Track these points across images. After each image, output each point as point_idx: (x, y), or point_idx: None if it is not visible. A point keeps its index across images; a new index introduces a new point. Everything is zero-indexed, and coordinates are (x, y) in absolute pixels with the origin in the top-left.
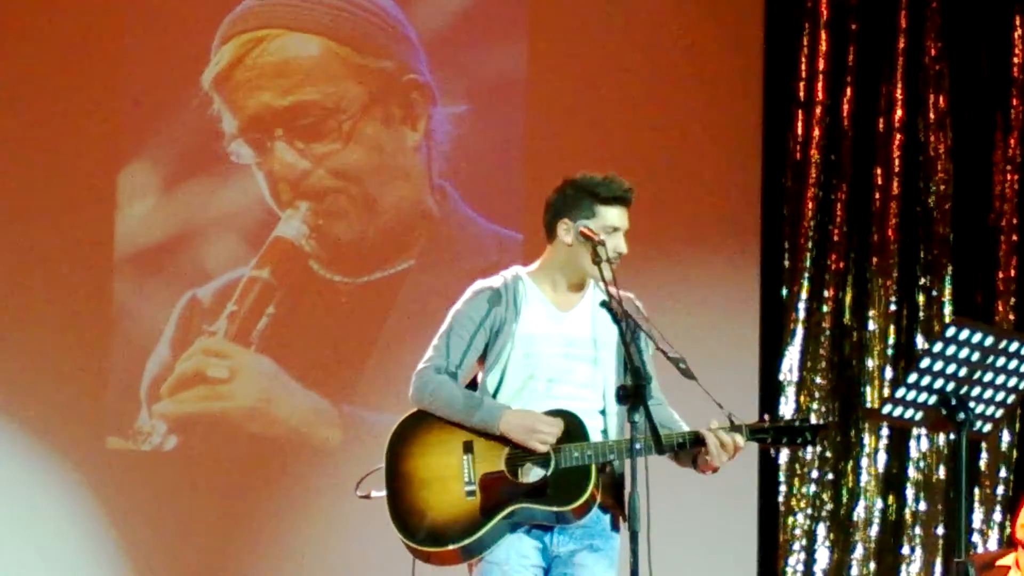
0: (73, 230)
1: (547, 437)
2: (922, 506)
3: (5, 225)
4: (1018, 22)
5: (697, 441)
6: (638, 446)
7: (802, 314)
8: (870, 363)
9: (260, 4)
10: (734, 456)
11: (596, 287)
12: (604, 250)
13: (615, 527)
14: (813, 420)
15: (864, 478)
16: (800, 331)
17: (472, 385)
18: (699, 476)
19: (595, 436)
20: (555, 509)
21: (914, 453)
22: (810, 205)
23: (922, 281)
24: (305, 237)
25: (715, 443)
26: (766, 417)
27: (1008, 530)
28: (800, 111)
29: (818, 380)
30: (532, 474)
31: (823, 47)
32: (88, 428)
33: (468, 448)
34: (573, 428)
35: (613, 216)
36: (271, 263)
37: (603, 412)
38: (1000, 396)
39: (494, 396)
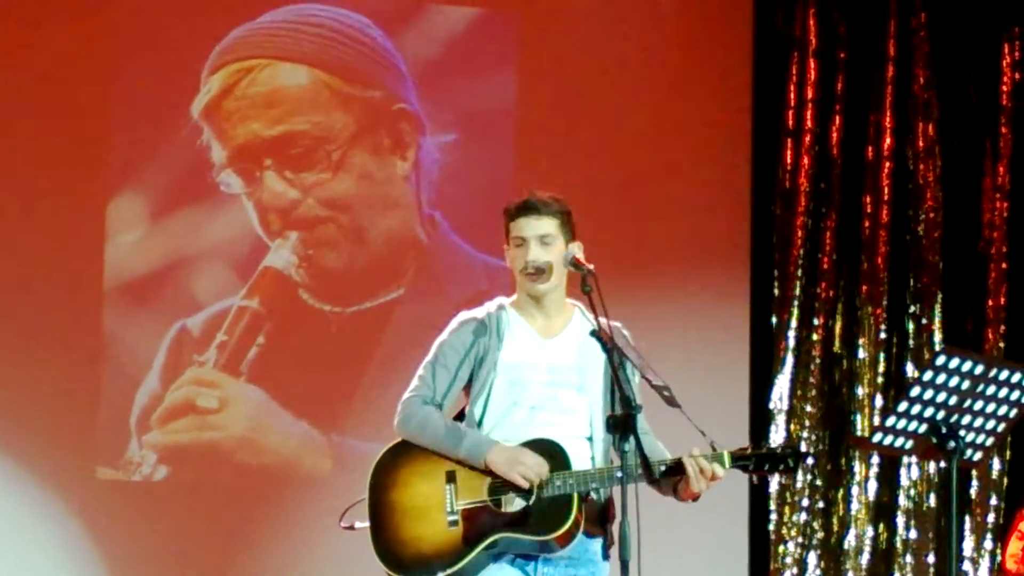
0: (62, 260)
1: (530, 473)
2: (913, 534)
3: None
4: (1006, 50)
5: (677, 468)
6: (621, 474)
7: (792, 342)
8: (860, 391)
9: (249, 34)
10: (712, 483)
11: (583, 315)
12: (594, 279)
13: (605, 555)
14: (794, 447)
15: (855, 506)
16: (790, 359)
17: (459, 416)
18: (690, 504)
19: (583, 464)
20: (538, 538)
21: (905, 481)
22: (799, 233)
23: (912, 309)
24: (295, 267)
25: (694, 469)
26: (749, 444)
27: (999, 559)
28: (789, 140)
29: (808, 408)
30: (515, 503)
31: (812, 76)
32: (78, 458)
33: (451, 478)
34: (555, 456)
35: (518, 227)
36: (261, 293)
37: (590, 439)
38: (990, 424)
39: (479, 424)
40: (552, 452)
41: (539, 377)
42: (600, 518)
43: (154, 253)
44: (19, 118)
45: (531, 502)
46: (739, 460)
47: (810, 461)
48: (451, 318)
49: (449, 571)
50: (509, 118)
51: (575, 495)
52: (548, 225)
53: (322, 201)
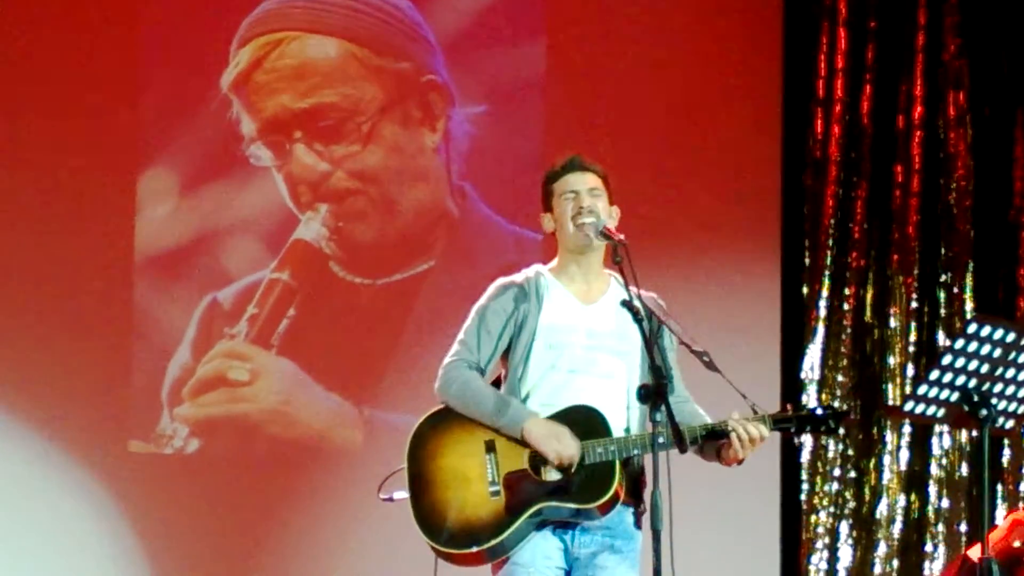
0: (94, 234)
1: (564, 453)
2: (945, 503)
3: (25, 229)
4: None
5: (719, 433)
6: (660, 441)
7: (823, 312)
8: (892, 360)
9: (278, 6)
10: (758, 446)
11: (619, 284)
12: (625, 250)
13: (637, 524)
14: (836, 406)
15: (887, 475)
16: (821, 329)
17: (495, 384)
18: (721, 474)
19: (618, 432)
20: (580, 506)
21: (936, 450)
22: (830, 203)
23: (943, 278)
24: (325, 239)
25: (739, 433)
26: (789, 406)
27: None
28: (819, 109)
29: (840, 378)
30: (555, 471)
31: (842, 45)
32: (110, 432)
33: (490, 447)
34: (595, 423)
35: (568, 182)
36: (291, 265)
37: (628, 407)
38: (1022, 392)
39: (516, 387)
40: (592, 418)
41: (578, 341)
42: (635, 487)
43: (185, 226)
44: (49, 92)
45: (573, 470)
46: (780, 423)
47: (841, 431)
48: (481, 290)
49: (494, 542)
50: (539, 89)
51: (616, 463)
52: (594, 180)
53: (352, 173)
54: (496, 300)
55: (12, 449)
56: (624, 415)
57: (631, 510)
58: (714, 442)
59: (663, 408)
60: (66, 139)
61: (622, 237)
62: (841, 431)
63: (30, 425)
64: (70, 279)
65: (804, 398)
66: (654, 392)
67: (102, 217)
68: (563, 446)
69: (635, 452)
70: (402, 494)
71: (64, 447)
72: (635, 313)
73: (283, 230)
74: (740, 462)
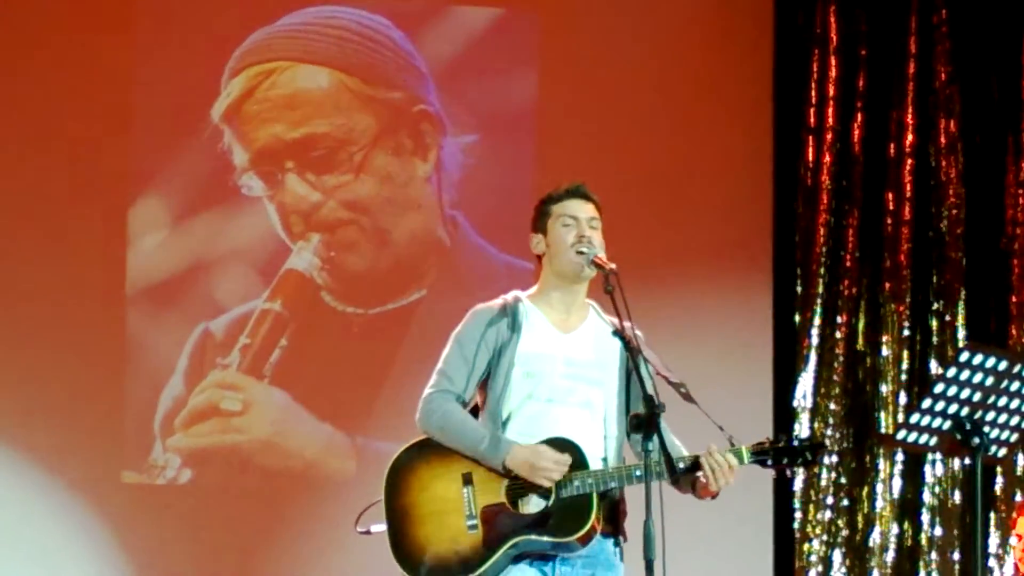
0: (85, 265)
1: (552, 473)
2: (938, 531)
3: (17, 260)
4: None
5: (695, 467)
6: (640, 473)
7: (815, 340)
8: (884, 388)
9: (270, 36)
10: (731, 478)
11: (598, 314)
12: (616, 279)
13: (618, 554)
14: (812, 439)
15: (879, 504)
16: (813, 357)
17: (473, 411)
18: (714, 503)
19: (595, 463)
20: (558, 540)
21: (929, 478)
22: (822, 231)
23: (935, 306)
24: (317, 269)
25: (709, 467)
26: (766, 439)
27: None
28: (811, 137)
29: (832, 406)
30: (533, 504)
31: (833, 73)
32: (103, 462)
33: (468, 480)
34: (572, 456)
35: (568, 208)
36: (283, 295)
37: (605, 437)
38: (1015, 420)
39: (496, 415)
40: (569, 451)
41: (557, 369)
42: (614, 517)
43: (176, 256)
44: (40, 123)
45: (550, 504)
46: (757, 455)
47: (833, 459)
48: None
49: (471, 575)
50: (530, 118)
51: (594, 495)
52: (594, 211)
53: (344, 203)
54: (474, 328)
55: (5, 480)
56: (601, 445)
57: (611, 540)
58: (689, 475)
59: (654, 438)
60: (57, 170)
61: (613, 266)
62: (834, 458)
63: (23, 456)
64: (62, 310)
65: (796, 427)
66: (646, 422)
67: (94, 248)
68: (548, 470)
69: (612, 485)
70: (379, 527)
71: (57, 478)
72: (627, 343)
73: (275, 260)
74: (714, 496)
